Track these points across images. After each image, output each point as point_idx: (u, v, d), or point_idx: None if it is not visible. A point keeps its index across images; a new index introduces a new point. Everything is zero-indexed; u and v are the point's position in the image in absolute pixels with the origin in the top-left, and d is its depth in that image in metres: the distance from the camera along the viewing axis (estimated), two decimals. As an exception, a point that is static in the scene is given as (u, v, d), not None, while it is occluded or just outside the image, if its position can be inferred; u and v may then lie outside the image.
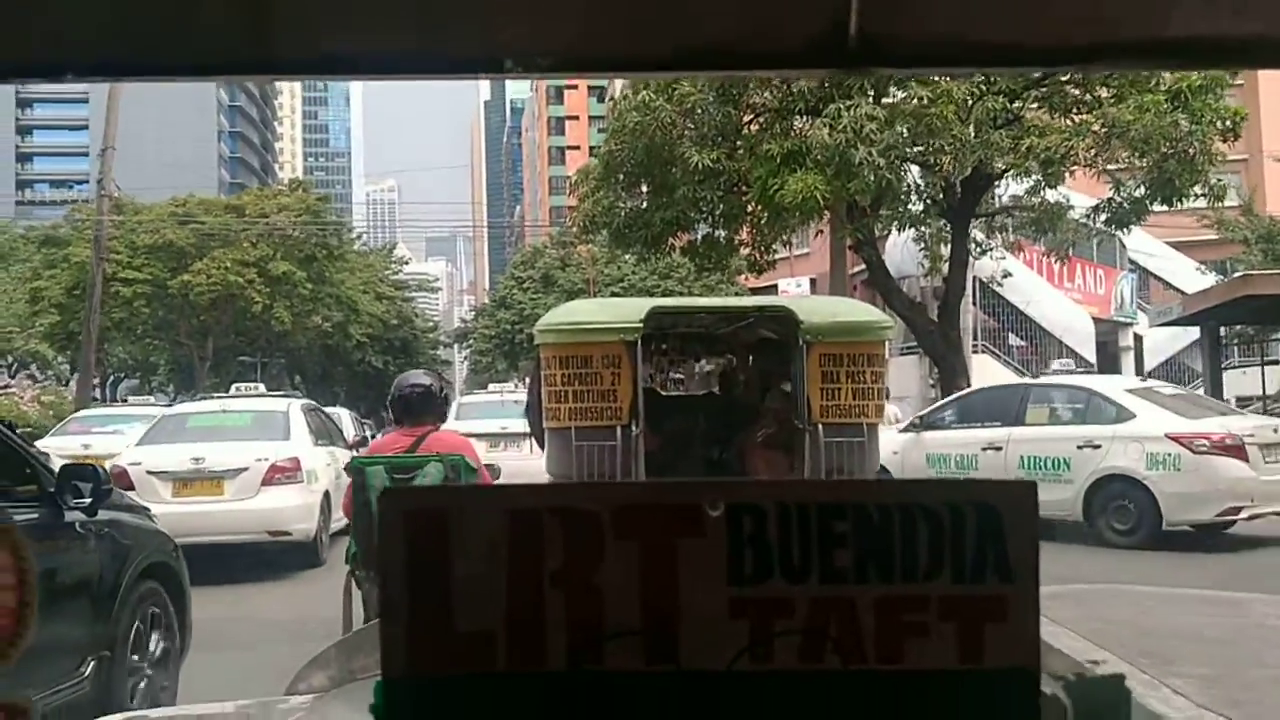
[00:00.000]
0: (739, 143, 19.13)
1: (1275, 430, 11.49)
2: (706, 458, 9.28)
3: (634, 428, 8.02)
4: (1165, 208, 19.65)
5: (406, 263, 63.89)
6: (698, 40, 1.39)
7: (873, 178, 17.08)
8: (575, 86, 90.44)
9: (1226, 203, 26.26)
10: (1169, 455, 11.16)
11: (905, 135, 17.09)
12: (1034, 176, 18.58)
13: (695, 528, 0.92)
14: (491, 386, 25.55)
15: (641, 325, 8.11)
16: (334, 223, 47.12)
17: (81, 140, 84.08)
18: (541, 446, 9.04)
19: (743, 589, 0.92)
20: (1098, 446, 11.67)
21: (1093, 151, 17.37)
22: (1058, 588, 7.65)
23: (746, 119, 19.31)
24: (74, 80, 1.42)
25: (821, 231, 21.67)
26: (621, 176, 20.38)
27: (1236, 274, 25.19)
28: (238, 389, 17.10)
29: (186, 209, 42.99)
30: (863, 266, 21.45)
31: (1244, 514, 10.53)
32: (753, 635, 0.92)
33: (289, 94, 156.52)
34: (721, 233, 21.22)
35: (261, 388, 18.58)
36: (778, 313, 8.69)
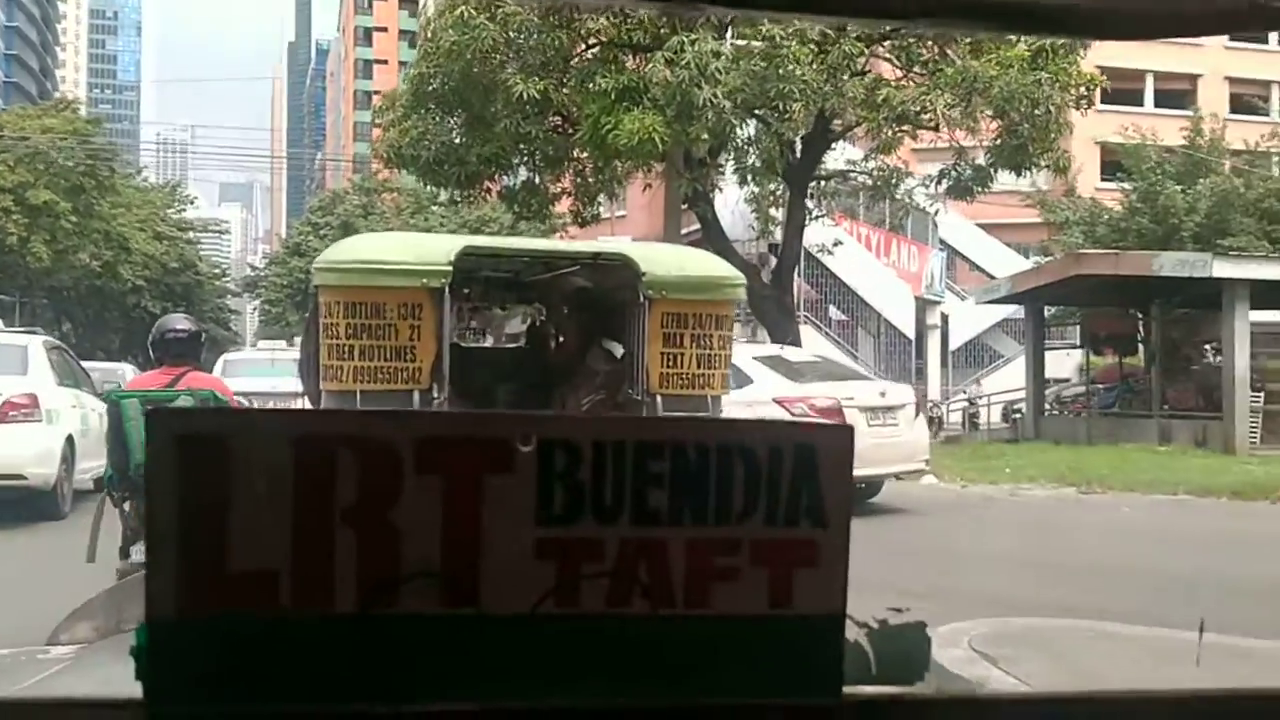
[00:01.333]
0: (569, 74, 17.78)
1: (881, 394, 12.33)
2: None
3: (435, 392, 6.97)
4: (1013, 175, 19.80)
5: (192, 201, 60.42)
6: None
7: (716, 121, 16.09)
8: (385, 29, 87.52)
9: (1042, 186, 27.76)
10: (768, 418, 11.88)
11: (753, 76, 16.08)
12: (885, 134, 17.92)
13: (504, 464, 0.88)
14: (261, 344, 24.11)
15: (450, 268, 7.00)
16: (101, 149, 43.53)
17: None
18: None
19: (551, 529, 0.89)
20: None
21: (951, 108, 16.84)
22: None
23: (579, 48, 18.01)
24: None
25: (650, 185, 20.61)
26: (434, 104, 18.71)
27: (1061, 255, 26.50)
28: None
29: None
30: (695, 227, 20.62)
31: None
32: (559, 577, 0.89)
33: (74, 19, 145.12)
34: (544, 178, 19.87)
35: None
36: (615, 260, 7.63)
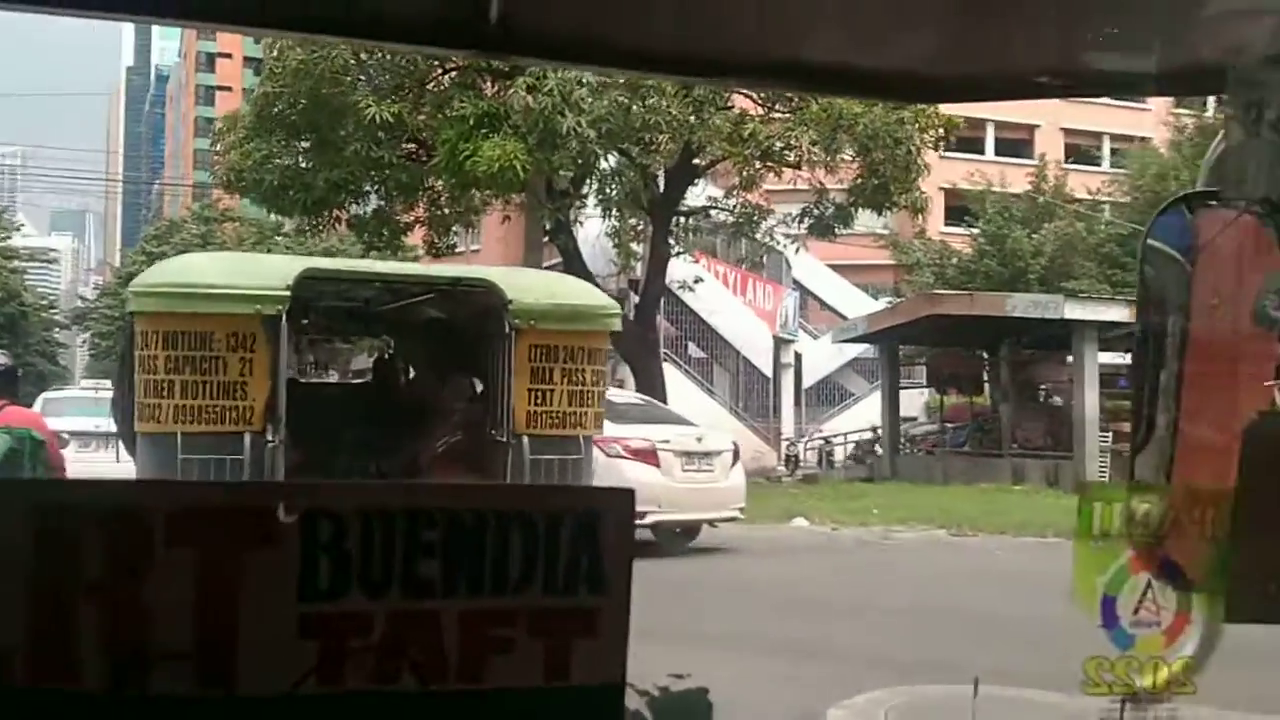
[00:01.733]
0: (426, 97, 17.32)
1: (698, 440, 12.53)
2: (369, 475, 7.45)
3: (270, 435, 6.31)
4: (874, 214, 20.07)
5: (18, 228, 57.50)
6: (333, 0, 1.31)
7: (579, 151, 15.88)
8: (230, 55, 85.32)
9: (891, 228, 28.57)
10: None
11: (618, 107, 15.92)
12: (748, 170, 17.91)
13: (264, 536, 0.85)
14: (84, 382, 22.63)
15: (288, 294, 6.35)
16: None
17: None
18: (130, 453, 7.06)
19: (315, 604, 0.86)
20: None
21: (815, 145, 16.99)
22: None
23: (436, 72, 17.52)
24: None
25: (509, 217, 20.30)
26: (279, 127, 17.87)
27: (915, 295, 27.23)
28: None
29: None
30: (555, 260, 20.26)
31: (649, 518, 11.08)
32: (322, 655, 0.86)
33: None
34: (397, 206, 19.26)
35: None
36: (478, 286, 7.00)
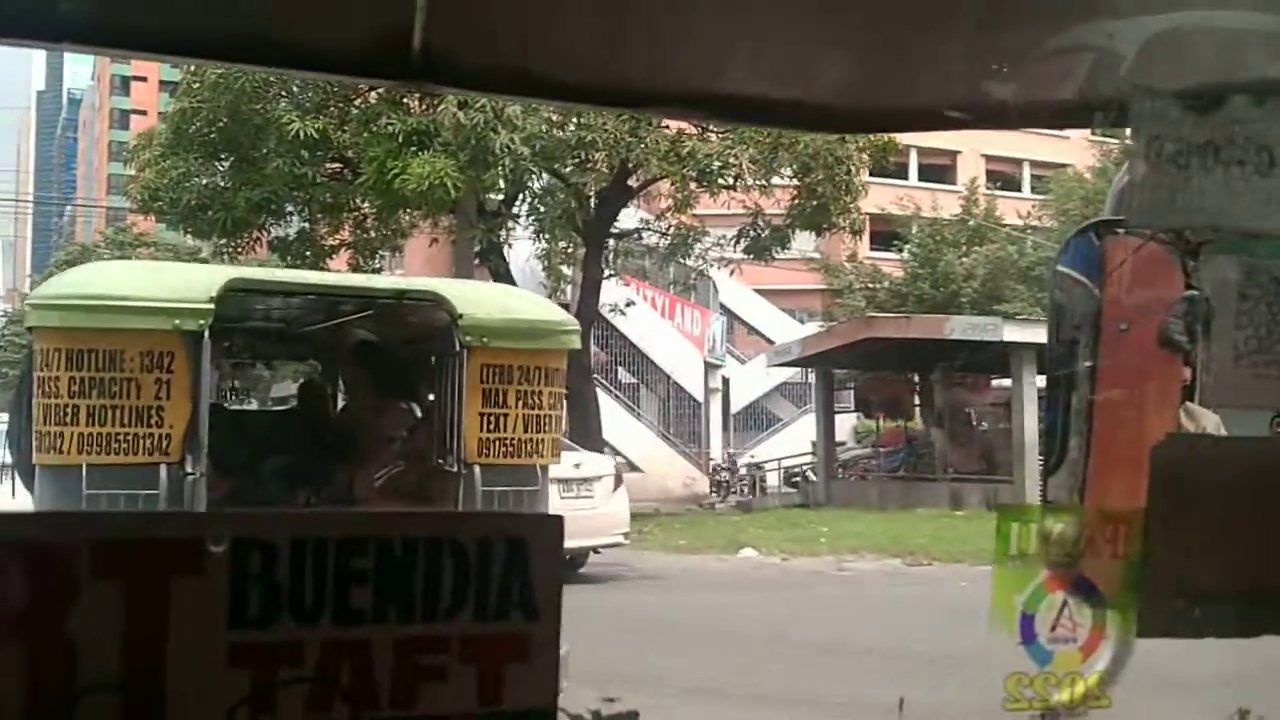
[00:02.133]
0: (351, 114, 17.06)
1: (576, 466, 12.54)
2: (300, 508, 6.99)
3: (190, 466, 5.84)
4: (812, 235, 20.12)
5: (-84, 254, 55.81)
6: (251, 27, 1.33)
7: (513, 169, 15.77)
8: (145, 79, 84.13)
9: (816, 253, 28.87)
10: None
11: (552, 124, 15.92)
12: (684, 191, 17.97)
13: (193, 565, 0.87)
14: None
15: (211, 306, 5.85)
16: None
17: None
18: (28, 488, 6.57)
19: (245, 633, 0.88)
20: None
21: (755, 164, 17.04)
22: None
23: (363, 88, 17.00)
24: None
25: (437, 239, 20.15)
26: (197, 144, 17.45)
27: (851, 318, 27.44)
28: None
29: None
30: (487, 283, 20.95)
31: None
32: (254, 685, 0.88)
33: None
34: (321, 227, 18.97)
35: None
36: (425, 299, 6.61)
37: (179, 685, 0.86)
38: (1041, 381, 19.94)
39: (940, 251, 31.79)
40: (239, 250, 19.77)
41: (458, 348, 6.10)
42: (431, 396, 7.01)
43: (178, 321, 5.66)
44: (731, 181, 17.87)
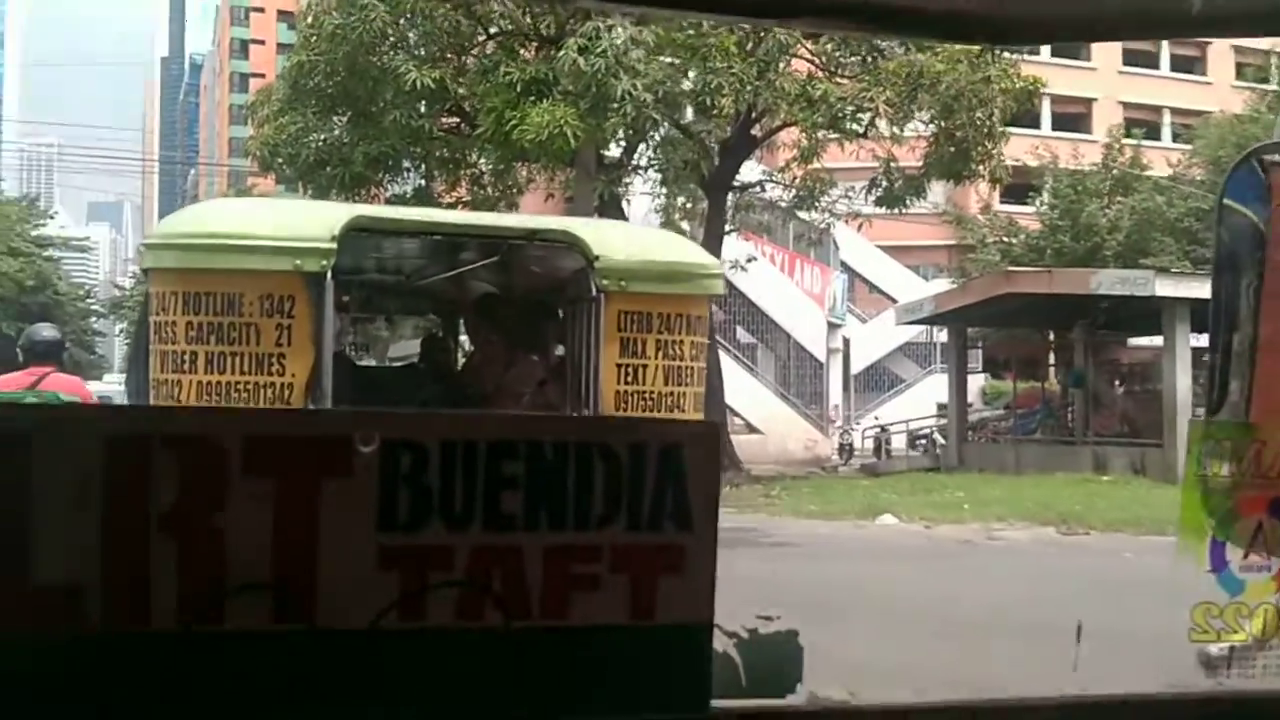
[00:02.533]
0: (469, 62, 16.87)
1: None
2: None
3: None
4: (953, 184, 18.88)
5: (51, 216, 58.67)
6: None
7: (635, 116, 15.33)
8: (263, 42, 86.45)
9: (933, 207, 28.17)
10: None
11: (676, 68, 15.55)
12: (813, 138, 17.34)
13: (343, 465, 0.86)
14: (107, 378, 22.38)
15: (334, 246, 5.50)
16: None
17: None
18: None
19: (395, 536, 0.87)
20: None
21: (892, 106, 16.28)
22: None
23: (481, 36, 17.09)
24: None
25: (553, 194, 20.05)
26: (315, 99, 17.50)
27: (987, 273, 26.62)
28: None
29: None
30: None
31: None
32: (403, 589, 0.87)
33: None
34: (438, 183, 18.94)
35: None
36: (558, 240, 6.14)
37: (329, 586, 0.86)
38: (1196, 340, 19.09)
39: (1081, 202, 30.72)
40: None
41: (593, 292, 5.74)
42: (562, 349, 6.72)
43: (299, 262, 5.36)
44: (864, 127, 17.30)
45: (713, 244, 19.65)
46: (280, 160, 18.37)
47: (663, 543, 0.92)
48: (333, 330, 5.92)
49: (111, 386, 20.45)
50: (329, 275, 5.45)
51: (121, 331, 61.63)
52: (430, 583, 0.88)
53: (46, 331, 8.09)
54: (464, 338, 8.72)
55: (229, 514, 0.84)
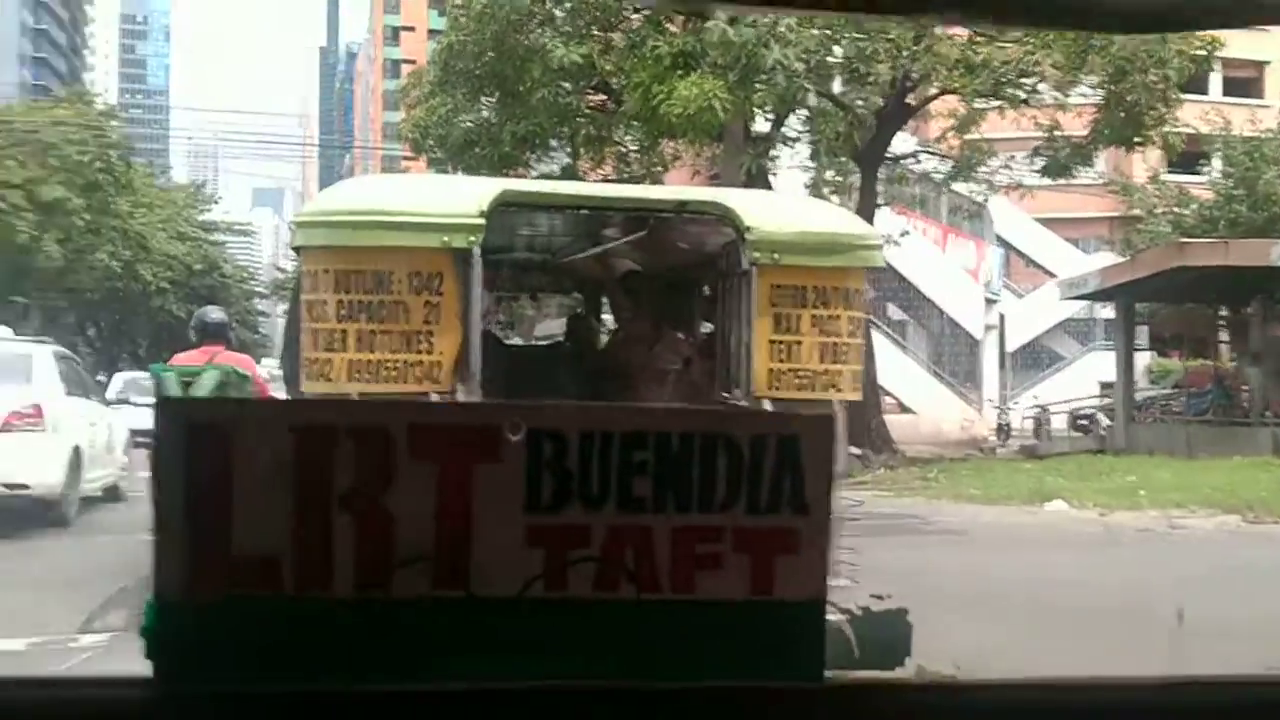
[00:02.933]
0: (616, 37, 16.88)
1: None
2: None
3: (461, 396, 5.54)
4: (1125, 150, 18.14)
5: (216, 201, 61.64)
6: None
7: (786, 87, 15.15)
8: (413, 29, 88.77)
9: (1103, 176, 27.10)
10: None
11: (828, 35, 15.42)
12: (972, 107, 16.87)
13: (494, 452, 0.98)
14: (265, 360, 23.39)
15: (482, 221, 5.49)
16: (116, 143, 43.91)
17: None
18: None
19: (539, 516, 0.99)
20: None
21: (1058, 70, 15.72)
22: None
23: (626, 11, 16.99)
24: None
25: (699, 171, 20.02)
26: (464, 80, 17.93)
27: (1158, 245, 25.56)
28: None
29: None
30: None
31: None
32: (547, 563, 0.99)
33: (103, 23, 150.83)
34: (584, 159, 19.06)
35: (8, 331, 17.55)
36: (708, 212, 5.99)
37: (482, 559, 0.98)
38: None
39: (1259, 170, 29.23)
40: None
41: (745, 266, 5.60)
42: (710, 326, 6.60)
43: (446, 238, 5.38)
44: (1027, 94, 16.68)
45: (865, 219, 19.30)
46: (431, 142, 18.86)
47: (780, 526, 1.01)
48: (480, 308, 5.92)
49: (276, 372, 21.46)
50: (477, 252, 5.45)
51: (283, 313, 64.52)
52: (570, 558, 0.99)
53: (215, 314, 8.90)
54: (608, 316, 8.78)
55: (397, 495, 0.98)
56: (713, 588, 1.01)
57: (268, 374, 10.88)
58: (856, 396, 6.12)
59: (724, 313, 6.12)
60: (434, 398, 5.45)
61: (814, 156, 18.44)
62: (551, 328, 11.70)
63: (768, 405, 5.57)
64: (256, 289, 63.53)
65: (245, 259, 77.33)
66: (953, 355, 30.26)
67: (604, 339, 8.46)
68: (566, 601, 0.99)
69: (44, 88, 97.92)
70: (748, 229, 5.61)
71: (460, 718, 0.98)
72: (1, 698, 1.02)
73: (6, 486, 10.85)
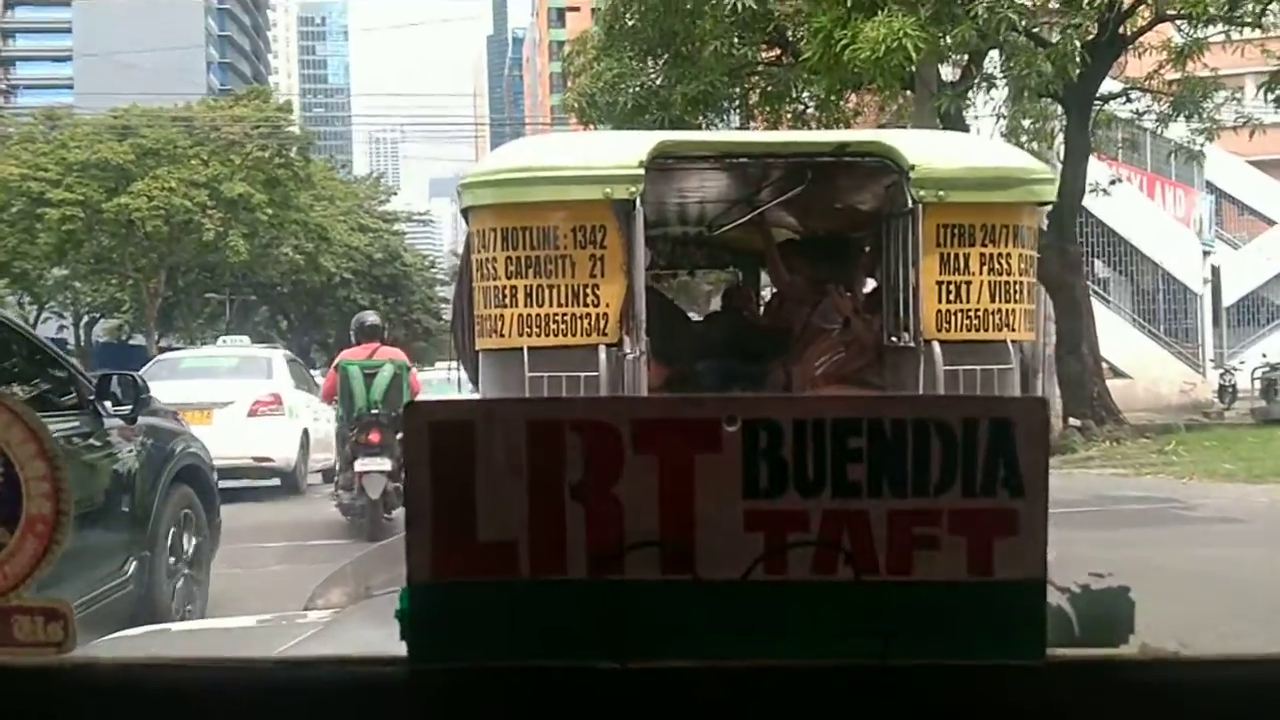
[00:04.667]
0: None
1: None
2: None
3: (628, 347, 5.74)
4: None
5: (395, 192, 64.13)
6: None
7: (986, 19, 14.21)
8: (577, 9, 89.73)
9: None
10: None
11: None
12: (1198, 31, 15.71)
13: (712, 443, 1.07)
14: (438, 364, 24.33)
15: (642, 172, 5.67)
16: (294, 138, 45.82)
17: (64, 43, 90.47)
18: (473, 379, 6.80)
19: (758, 502, 1.07)
20: None
21: None
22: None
23: None
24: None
25: (885, 125, 19.24)
26: (630, 43, 17.54)
27: None
28: (224, 342, 21.23)
29: (126, 119, 41.70)
30: None
31: None
32: (767, 546, 1.07)
33: (284, 26, 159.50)
34: (759, 124, 18.42)
35: (246, 340, 22.29)
36: (871, 154, 6.06)
37: (705, 544, 1.07)
38: None
39: None
40: None
41: (910, 204, 5.64)
42: (873, 282, 6.70)
43: (608, 190, 5.58)
44: (1255, 18, 15.41)
45: (1076, 163, 17.71)
46: (597, 112, 18.51)
47: (997, 508, 1.06)
48: (644, 260, 6.09)
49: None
50: (638, 203, 5.63)
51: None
52: (789, 542, 1.07)
53: (371, 317, 11.95)
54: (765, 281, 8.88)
55: (623, 484, 1.07)
56: (930, 569, 1.06)
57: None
58: (1029, 337, 6.03)
59: (890, 258, 6.14)
60: (601, 350, 5.68)
61: (1014, 99, 17.29)
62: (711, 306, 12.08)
63: (937, 348, 5.66)
64: (437, 275, 65.90)
65: (425, 247, 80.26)
66: (1167, 313, 28.86)
67: (763, 304, 8.61)
68: (787, 584, 1.07)
69: (230, 92, 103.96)
70: (911, 167, 5.66)
71: (692, 694, 1.07)
72: (266, 676, 1.16)
73: (255, 459, 13.92)
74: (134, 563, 6.09)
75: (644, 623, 1.08)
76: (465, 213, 6.32)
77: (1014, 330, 5.78)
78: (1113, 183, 22.08)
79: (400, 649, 1.09)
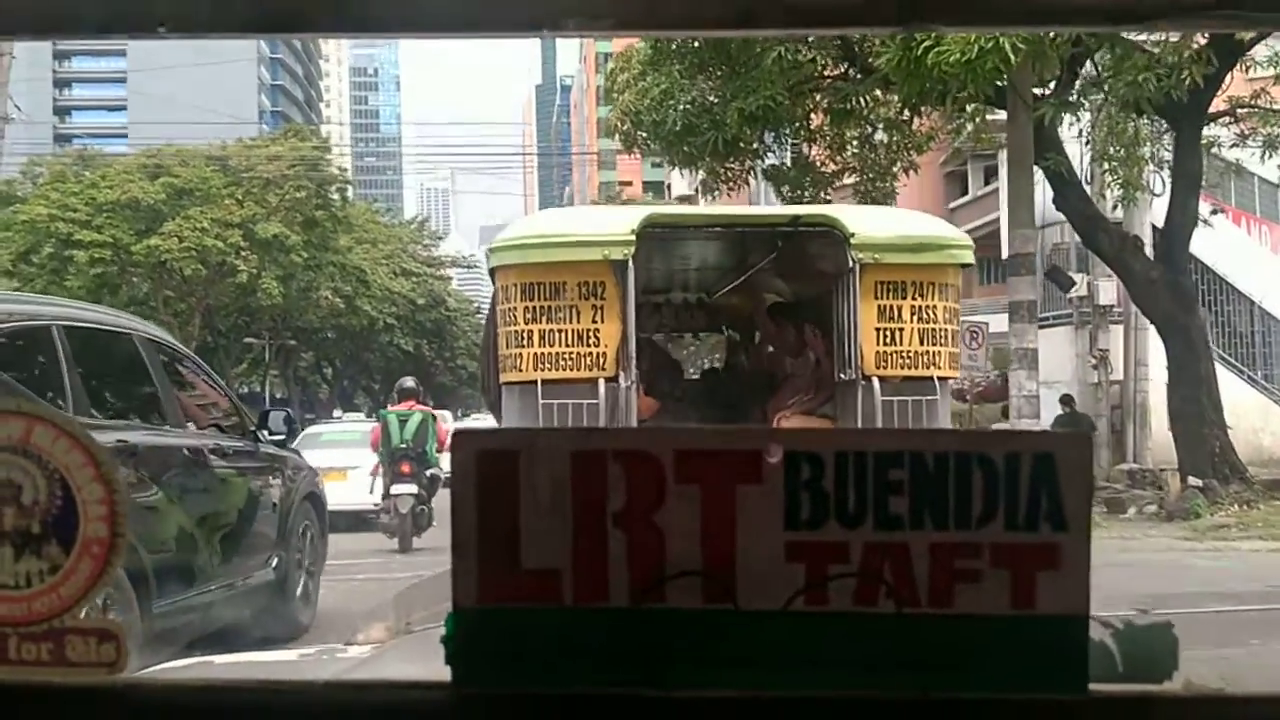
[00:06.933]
0: None
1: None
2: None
3: (622, 380, 7.12)
4: None
5: (441, 238, 64.85)
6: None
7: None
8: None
9: None
10: None
11: None
12: None
13: (754, 474, 1.10)
14: (475, 415, 25.72)
15: (633, 237, 7.13)
16: (333, 178, 45.54)
17: (120, 93, 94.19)
18: (493, 410, 8.50)
19: (799, 533, 1.09)
20: None
21: None
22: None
23: None
24: (97, 36, 1.44)
25: (960, 151, 18.95)
26: (679, 57, 16.21)
27: None
28: (338, 416, 23.42)
29: (159, 160, 41.48)
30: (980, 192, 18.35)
31: None
32: (808, 578, 1.09)
33: (336, 76, 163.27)
34: (821, 148, 17.26)
35: (361, 416, 25.06)
36: (819, 223, 7.60)
37: (746, 574, 1.10)
38: None
39: None
40: (729, 181, 18.42)
41: (851, 264, 6.98)
42: (829, 320, 7.84)
43: (606, 252, 7.01)
44: None
45: (1186, 188, 16.12)
46: (643, 132, 17.35)
47: (1039, 542, 1.08)
48: (635, 308, 7.45)
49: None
50: (630, 262, 7.07)
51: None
52: (830, 573, 1.09)
53: (408, 382, 15.02)
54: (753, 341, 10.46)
55: (666, 513, 1.10)
56: (972, 602, 1.08)
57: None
58: (954, 375, 7.67)
59: (839, 308, 7.45)
60: (600, 382, 7.08)
61: (1122, 108, 15.25)
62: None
63: (876, 382, 6.98)
64: (482, 321, 66.17)
65: (473, 293, 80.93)
66: (1265, 357, 27.65)
67: (744, 354, 10.34)
68: (828, 615, 1.09)
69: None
70: (852, 234, 7.09)
71: None
72: (314, 699, 1.19)
73: (375, 505, 15.31)
74: (275, 559, 7.82)
75: (685, 652, 1.11)
76: (493, 272, 7.70)
77: (940, 368, 7.13)
78: (1214, 213, 20.29)
79: (442, 678, 1.12)
